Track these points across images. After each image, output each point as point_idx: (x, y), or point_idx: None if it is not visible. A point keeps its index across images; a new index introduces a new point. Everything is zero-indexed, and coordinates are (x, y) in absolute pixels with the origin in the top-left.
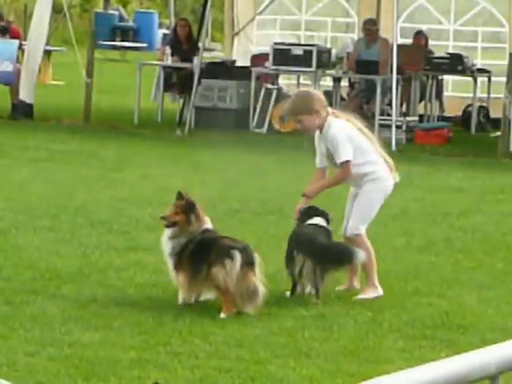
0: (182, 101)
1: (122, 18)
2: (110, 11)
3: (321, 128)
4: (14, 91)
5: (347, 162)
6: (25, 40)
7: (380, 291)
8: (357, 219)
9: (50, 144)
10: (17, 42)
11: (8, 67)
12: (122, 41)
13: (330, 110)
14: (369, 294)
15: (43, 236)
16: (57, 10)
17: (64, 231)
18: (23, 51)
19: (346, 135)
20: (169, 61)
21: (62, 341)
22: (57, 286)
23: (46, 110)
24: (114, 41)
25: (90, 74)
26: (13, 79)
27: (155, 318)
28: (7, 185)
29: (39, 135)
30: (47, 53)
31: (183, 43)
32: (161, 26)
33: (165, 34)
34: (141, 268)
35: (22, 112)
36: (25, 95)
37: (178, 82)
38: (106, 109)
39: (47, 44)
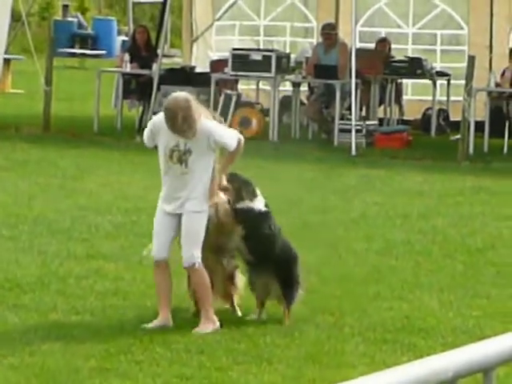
0: (141, 107)
1: (80, 26)
2: (69, 19)
3: None
4: None
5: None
6: None
7: (217, 324)
8: (190, 246)
9: (9, 153)
10: None
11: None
12: (81, 48)
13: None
14: (206, 328)
15: (2, 245)
16: (15, 18)
17: (23, 240)
18: None
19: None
20: (128, 68)
21: (23, 350)
22: (17, 296)
23: (5, 118)
24: (73, 48)
25: (48, 81)
26: None
27: (116, 327)
28: None
29: None
30: (6, 61)
31: (142, 50)
32: (120, 32)
33: (124, 41)
34: (101, 276)
35: None
36: None
37: (137, 88)
38: (65, 117)
39: (6, 52)
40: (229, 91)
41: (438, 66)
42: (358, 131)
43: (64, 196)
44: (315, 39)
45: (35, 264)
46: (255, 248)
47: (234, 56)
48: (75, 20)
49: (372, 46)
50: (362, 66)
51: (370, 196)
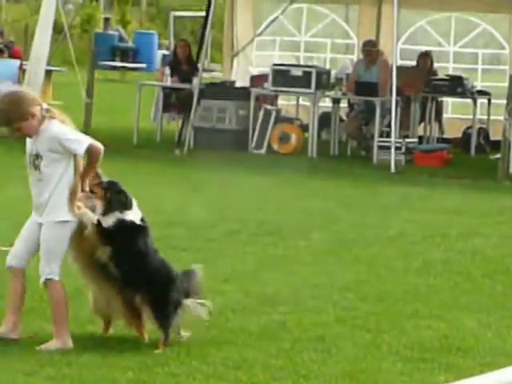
0: (181, 121)
1: (121, 39)
2: (110, 32)
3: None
4: None
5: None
6: (26, 60)
7: (68, 345)
8: (46, 259)
9: None
10: (17, 62)
11: (9, 87)
12: (122, 61)
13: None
14: (53, 345)
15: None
16: (58, 30)
17: (66, 253)
18: (24, 71)
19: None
20: (168, 81)
21: (60, 361)
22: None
23: None
24: (113, 61)
25: (89, 94)
26: None
27: (153, 339)
28: (4, 204)
29: None
30: (48, 73)
31: (183, 64)
32: (160, 46)
33: (164, 55)
34: None
35: None
36: None
37: (177, 102)
38: (105, 129)
39: (48, 64)
40: (268, 106)
41: (479, 85)
42: (397, 149)
43: None
44: (356, 56)
45: (75, 277)
46: (122, 262)
47: (275, 71)
48: (116, 33)
49: (413, 63)
50: (403, 83)
51: (409, 214)
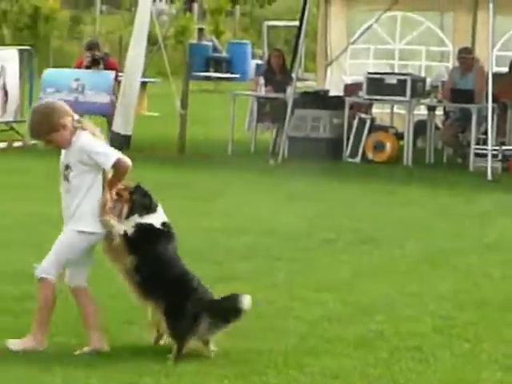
0: (275, 131)
1: (215, 49)
2: (204, 42)
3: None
4: (111, 123)
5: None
6: (121, 72)
7: (41, 346)
8: (49, 259)
9: (144, 175)
10: (113, 73)
11: (104, 99)
12: (216, 72)
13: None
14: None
15: None
16: (152, 41)
17: None
18: (119, 83)
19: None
20: (262, 91)
21: (159, 371)
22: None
23: (142, 141)
24: (207, 72)
25: (184, 105)
26: (109, 111)
27: (250, 348)
28: None
29: (134, 166)
30: (143, 84)
31: (277, 73)
32: (254, 56)
33: (258, 65)
34: None
35: (118, 143)
36: (119, 127)
37: (271, 112)
38: (200, 139)
39: (143, 75)
40: (363, 115)
41: None
42: (494, 156)
43: (198, 218)
44: (451, 63)
45: None
46: (141, 267)
47: (369, 80)
48: (210, 44)
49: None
50: (499, 90)
51: (506, 221)
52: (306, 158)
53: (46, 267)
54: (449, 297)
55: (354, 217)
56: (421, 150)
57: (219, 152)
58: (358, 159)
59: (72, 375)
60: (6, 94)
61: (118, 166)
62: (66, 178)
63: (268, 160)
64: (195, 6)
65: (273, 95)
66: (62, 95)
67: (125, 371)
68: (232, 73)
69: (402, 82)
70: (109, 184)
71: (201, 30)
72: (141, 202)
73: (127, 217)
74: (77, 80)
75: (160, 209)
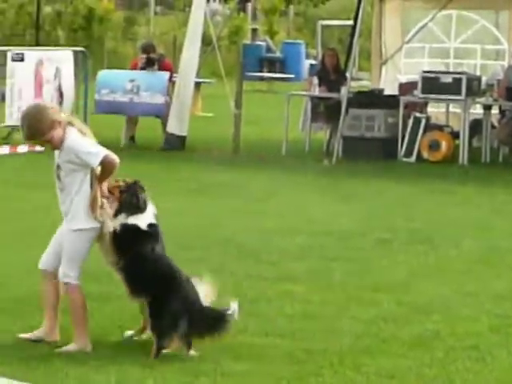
0: (329, 131)
1: (269, 49)
2: (258, 42)
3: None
4: (166, 123)
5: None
6: (175, 72)
7: (87, 347)
8: (66, 264)
9: (199, 175)
10: (167, 74)
11: (159, 100)
12: (270, 72)
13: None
14: (72, 348)
15: (194, 266)
16: (206, 42)
17: (214, 262)
18: (173, 83)
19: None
20: (316, 91)
21: (215, 371)
22: None
23: (196, 141)
24: (261, 72)
25: (238, 105)
26: (164, 112)
27: (306, 349)
28: (158, 215)
29: (189, 167)
30: (197, 85)
31: (331, 73)
32: (308, 56)
33: (312, 65)
34: (290, 298)
35: (173, 144)
36: (174, 127)
37: (325, 112)
38: (254, 140)
39: (197, 76)
40: (418, 114)
41: None
42: None
43: (253, 218)
44: (506, 61)
45: (226, 285)
46: (124, 266)
47: (424, 79)
48: (264, 44)
49: None
50: None
51: None
52: (360, 157)
53: (65, 272)
54: (505, 295)
55: (409, 216)
56: (476, 149)
57: (273, 152)
58: (413, 158)
59: (127, 375)
60: (61, 95)
61: (105, 163)
62: (59, 177)
63: (322, 160)
64: (249, 6)
65: (327, 95)
66: (116, 96)
67: (181, 371)
68: (286, 73)
69: (458, 81)
70: (98, 181)
71: (254, 30)
72: (129, 201)
73: (115, 215)
74: (132, 81)
75: (150, 209)
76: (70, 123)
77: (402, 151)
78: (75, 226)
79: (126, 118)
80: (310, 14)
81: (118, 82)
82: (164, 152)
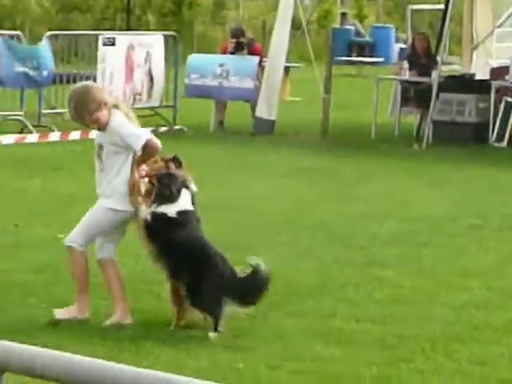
0: (419, 115)
1: (358, 33)
2: (347, 26)
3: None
4: (255, 108)
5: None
6: (265, 57)
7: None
8: (77, 230)
9: (288, 160)
10: (257, 58)
11: (248, 84)
12: (359, 56)
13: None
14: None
15: (282, 250)
16: (295, 26)
17: (303, 246)
18: (263, 68)
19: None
20: (406, 75)
21: (304, 355)
22: (297, 301)
23: (285, 126)
24: (350, 56)
25: (327, 89)
26: (253, 96)
27: (397, 334)
28: (249, 200)
29: (278, 151)
30: (286, 69)
31: (421, 57)
32: (397, 40)
33: (401, 49)
34: (380, 283)
35: (262, 128)
36: (263, 112)
37: (415, 96)
38: (343, 124)
39: (286, 60)
40: (509, 99)
41: None
42: None
43: (342, 203)
44: None
45: (315, 270)
46: (158, 252)
47: None
48: (353, 28)
49: None
50: None
51: None
52: (451, 142)
53: (72, 236)
54: None
55: (501, 202)
56: None
57: (362, 137)
58: (504, 143)
59: (218, 359)
60: (151, 79)
61: (147, 147)
62: (100, 157)
63: (412, 144)
64: None
65: (417, 79)
66: (206, 81)
67: (270, 355)
68: (375, 57)
69: None
70: (137, 163)
71: (344, 14)
72: (160, 191)
73: (151, 203)
74: (221, 65)
75: (183, 197)
76: (116, 106)
77: (493, 136)
78: (107, 204)
79: (215, 103)
80: None
81: (207, 66)
82: (253, 136)
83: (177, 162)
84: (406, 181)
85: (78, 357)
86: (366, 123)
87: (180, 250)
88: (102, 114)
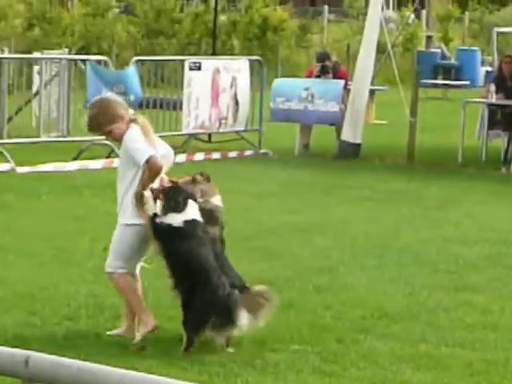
0: (506, 138)
1: (444, 56)
2: (432, 49)
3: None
4: (340, 131)
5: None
6: (350, 80)
7: (151, 324)
8: (110, 254)
9: (373, 183)
10: (342, 82)
11: (333, 107)
12: (444, 79)
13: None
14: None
15: (370, 275)
16: (380, 49)
17: (390, 270)
18: (348, 91)
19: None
20: (493, 98)
21: (394, 380)
22: (386, 325)
23: (370, 149)
24: (436, 79)
25: (413, 112)
26: (338, 120)
27: (486, 360)
28: (334, 224)
29: (363, 174)
30: (371, 92)
31: (508, 80)
32: (483, 63)
33: (487, 72)
34: (470, 308)
35: (347, 152)
36: (348, 135)
37: (502, 119)
38: (429, 147)
39: (371, 83)
40: None
41: None
42: None
43: (428, 226)
44: None
45: (403, 294)
46: (165, 261)
47: None
48: (438, 50)
49: None
50: None
51: None
52: None
53: (109, 262)
54: None
55: None
56: None
57: (449, 160)
58: None
59: (305, 383)
60: (237, 103)
61: (149, 164)
62: (118, 171)
63: (500, 168)
64: (423, 13)
65: (504, 102)
66: (291, 104)
67: (358, 380)
68: (461, 80)
69: None
70: (143, 182)
71: (429, 37)
72: (166, 203)
73: (159, 214)
74: (306, 89)
75: (190, 208)
76: (133, 121)
77: None
78: (123, 220)
79: (300, 126)
80: (485, 20)
81: (292, 90)
82: (338, 160)
83: (205, 176)
84: (494, 204)
85: (166, 379)
86: (453, 146)
87: (180, 262)
88: (117, 127)
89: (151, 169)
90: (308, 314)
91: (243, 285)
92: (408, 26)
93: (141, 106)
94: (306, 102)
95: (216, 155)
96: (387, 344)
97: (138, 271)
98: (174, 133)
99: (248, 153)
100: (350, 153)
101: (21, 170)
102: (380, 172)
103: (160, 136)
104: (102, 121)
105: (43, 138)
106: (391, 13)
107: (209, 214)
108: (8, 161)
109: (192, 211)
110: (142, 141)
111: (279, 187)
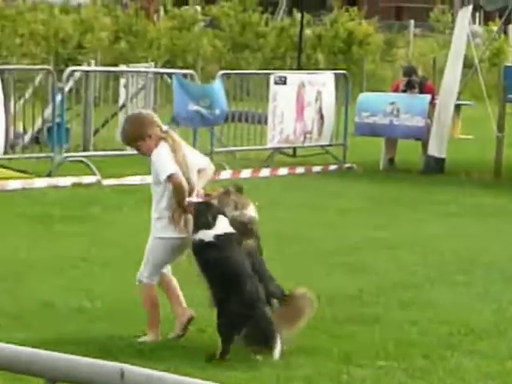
0: None
1: None
2: None
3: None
4: (425, 146)
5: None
6: (436, 95)
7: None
8: (142, 264)
9: (460, 198)
10: (428, 96)
11: (419, 122)
12: None
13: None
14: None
15: (457, 291)
16: (467, 64)
17: (477, 286)
18: (434, 106)
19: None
20: None
21: None
22: (473, 342)
23: (456, 164)
24: None
25: (500, 128)
26: (424, 134)
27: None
28: (420, 239)
29: (449, 189)
30: (457, 107)
31: None
32: None
33: None
34: None
35: (433, 166)
36: (434, 150)
37: None
38: None
39: (458, 99)
40: None
41: None
42: None
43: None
44: None
45: (490, 310)
46: (201, 275)
47: None
48: None
49: None
50: None
51: None
52: None
53: (141, 272)
54: None
55: None
56: None
57: None
58: None
59: None
60: (321, 117)
61: (171, 181)
62: (151, 184)
63: None
64: (510, 28)
65: None
66: (376, 119)
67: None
68: None
69: None
70: (175, 199)
71: None
72: (196, 220)
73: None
74: (392, 104)
75: (220, 223)
76: (164, 139)
77: None
78: (156, 233)
79: (385, 140)
80: None
81: (378, 104)
82: (423, 175)
83: (238, 188)
84: None
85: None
86: None
87: (215, 272)
88: (145, 144)
89: (173, 186)
90: (394, 329)
91: (282, 293)
92: (495, 41)
93: (226, 119)
94: (392, 117)
95: (300, 170)
96: (474, 360)
97: (167, 270)
98: (258, 147)
99: (332, 167)
100: (435, 168)
101: (107, 182)
102: (466, 187)
103: (245, 150)
104: (131, 136)
105: (129, 151)
106: (477, 27)
107: (244, 227)
108: (94, 173)
109: (222, 225)
110: (168, 159)
111: (364, 202)
